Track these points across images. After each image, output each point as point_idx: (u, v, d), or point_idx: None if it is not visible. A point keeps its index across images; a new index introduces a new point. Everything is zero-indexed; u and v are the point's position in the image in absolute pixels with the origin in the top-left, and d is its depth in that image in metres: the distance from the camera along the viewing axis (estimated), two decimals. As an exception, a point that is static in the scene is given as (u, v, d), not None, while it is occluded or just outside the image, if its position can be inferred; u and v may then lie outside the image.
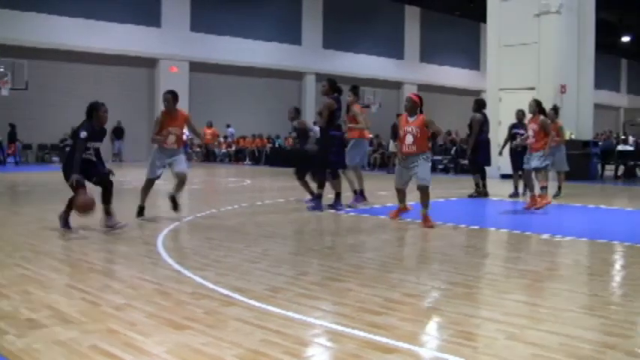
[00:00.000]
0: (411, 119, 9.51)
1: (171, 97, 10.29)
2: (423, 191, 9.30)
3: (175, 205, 9.82)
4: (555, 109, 13.57)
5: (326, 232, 9.39)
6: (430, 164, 9.62)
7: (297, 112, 12.65)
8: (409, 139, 9.32)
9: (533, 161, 11.49)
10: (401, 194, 9.92)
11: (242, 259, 6.81)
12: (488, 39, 22.61)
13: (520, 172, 13.63)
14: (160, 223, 9.30)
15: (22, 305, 4.77)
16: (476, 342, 4.03)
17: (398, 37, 42.35)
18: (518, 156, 13.92)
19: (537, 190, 11.47)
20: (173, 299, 4.97)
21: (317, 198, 11.16)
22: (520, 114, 14.27)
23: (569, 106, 20.88)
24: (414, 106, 9.58)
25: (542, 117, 11.71)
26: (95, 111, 8.46)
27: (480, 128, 13.92)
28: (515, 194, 14.07)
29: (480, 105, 14.24)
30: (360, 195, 11.87)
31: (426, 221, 9.23)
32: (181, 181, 9.95)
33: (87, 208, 7.99)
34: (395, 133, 23.65)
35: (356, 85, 12.30)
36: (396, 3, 41.14)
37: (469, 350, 3.82)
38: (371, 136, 18.44)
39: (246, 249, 7.39)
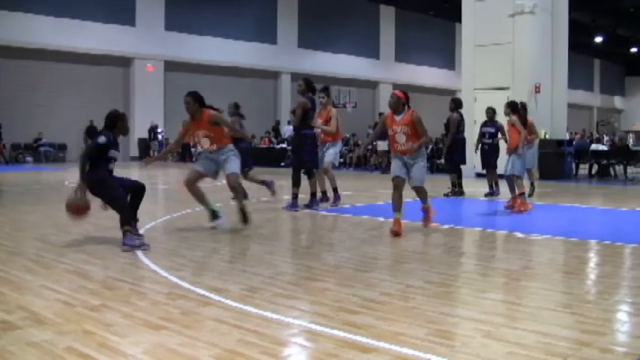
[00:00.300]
0: (398, 118, 8.70)
1: (192, 99, 9.15)
2: (420, 190, 8.98)
3: (245, 217, 8.72)
4: (523, 106, 13.50)
5: (303, 232, 9.38)
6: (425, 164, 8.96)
7: (235, 108, 13.25)
8: (401, 138, 8.60)
9: (516, 167, 11.40)
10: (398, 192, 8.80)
11: (219, 259, 6.79)
12: (463, 39, 22.69)
13: (490, 170, 13.85)
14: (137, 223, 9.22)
15: (-5, 307, 4.72)
16: (453, 341, 4.04)
17: (373, 37, 42.44)
18: (486, 155, 14.05)
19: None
20: (149, 299, 4.94)
21: (293, 198, 11.15)
22: (490, 112, 14.26)
23: (543, 106, 21.05)
24: (399, 103, 8.76)
25: (513, 117, 11.60)
26: (120, 121, 7.96)
27: (456, 128, 13.98)
28: (490, 193, 14.09)
29: (456, 104, 14.30)
30: (336, 194, 11.84)
31: (428, 219, 9.02)
32: (231, 187, 8.99)
33: (80, 211, 7.43)
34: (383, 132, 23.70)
35: (327, 86, 12.15)
36: (371, 2, 41.24)
37: (446, 349, 3.83)
38: (346, 135, 18.45)
39: (223, 249, 7.37)
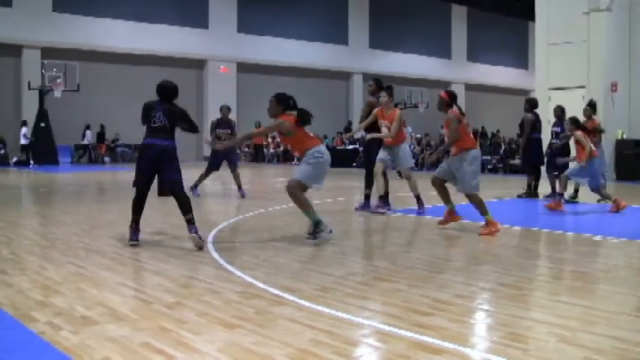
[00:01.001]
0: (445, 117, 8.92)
1: (274, 100, 8.49)
2: (471, 197, 8.79)
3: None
4: (592, 106, 13.07)
5: (374, 233, 9.39)
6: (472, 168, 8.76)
7: (227, 110, 14.05)
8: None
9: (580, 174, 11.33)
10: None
11: (291, 259, 6.85)
12: (537, 37, 22.35)
13: (555, 173, 13.30)
14: (210, 222, 9.38)
15: (76, 302, 4.87)
16: (526, 344, 3.99)
17: (445, 37, 42.16)
18: (551, 155, 13.62)
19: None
20: (223, 298, 5.02)
21: (365, 198, 11.16)
22: (558, 111, 13.89)
23: (620, 105, 20.58)
24: (442, 103, 8.97)
25: (577, 133, 11.41)
26: None
27: (531, 128, 13.72)
28: (552, 195, 13.63)
29: (531, 104, 14.05)
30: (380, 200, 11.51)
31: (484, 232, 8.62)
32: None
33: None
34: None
35: (390, 85, 11.77)
36: (443, 2, 40.96)
37: (519, 352, 3.79)
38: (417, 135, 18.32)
39: (295, 249, 7.42)
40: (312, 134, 8.28)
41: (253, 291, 5.25)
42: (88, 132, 30.55)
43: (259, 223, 9.54)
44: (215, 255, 6.84)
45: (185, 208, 7.45)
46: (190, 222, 7.31)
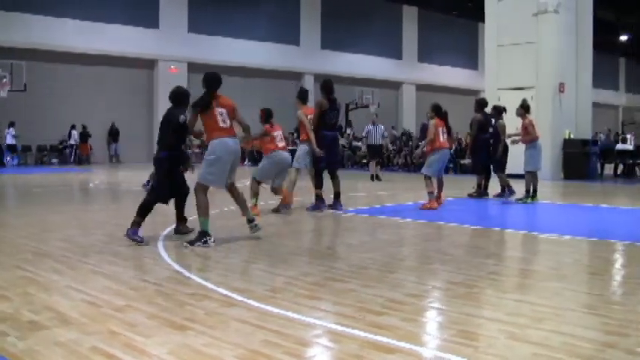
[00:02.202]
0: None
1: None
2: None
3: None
4: (524, 107, 13.26)
5: (326, 233, 9.39)
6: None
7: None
8: None
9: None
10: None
11: (242, 260, 6.81)
12: (486, 38, 22.61)
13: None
14: (161, 223, 9.28)
15: (23, 307, 4.77)
16: (477, 342, 4.02)
17: (396, 37, 42.39)
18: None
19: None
20: (174, 300, 4.97)
21: (316, 199, 11.16)
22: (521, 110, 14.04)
23: (567, 106, 20.93)
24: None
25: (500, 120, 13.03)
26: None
27: (479, 128, 13.87)
28: (502, 193, 13.83)
29: (480, 105, 14.20)
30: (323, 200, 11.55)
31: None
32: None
33: None
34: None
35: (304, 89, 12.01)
36: (394, 3, 41.17)
37: (470, 350, 3.82)
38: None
39: (247, 250, 7.39)
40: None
41: (204, 292, 5.21)
42: (73, 132, 30.09)
43: (211, 224, 9.45)
44: (165, 256, 6.77)
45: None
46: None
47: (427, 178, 11.66)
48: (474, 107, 14.23)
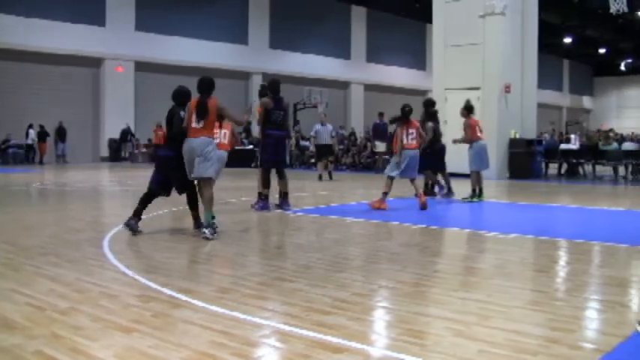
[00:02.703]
0: None
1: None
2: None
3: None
4: (468, 108, 13.44)
5: (273, 233, 9.36)
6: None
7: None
8: None
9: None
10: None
11: (189, 261, 6.76)
12: (434, 39, 22.80)
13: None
14: (107, 225, 9.16)
15: (-38, 311, 4.65)
16: (424, 340, 4.05)
17: (345, 37, 42.52)
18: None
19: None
20: (120, 302, 4.90)
21: (263, 198, 11.13)
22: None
23: (513, 106, 21.23)
24: None
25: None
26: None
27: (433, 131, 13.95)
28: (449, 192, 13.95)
29: (427, 104, 14.30)
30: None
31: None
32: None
33: None
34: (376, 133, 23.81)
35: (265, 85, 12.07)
36: (343, 3, 41.30)
37: (417, 348, 3.84)
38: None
39: (194, 250, 7.33)
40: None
41: (151, 294, 5.15)
42: (31, 131, 29.49)
43: (158, 225, 9.37)
44: (111, 258, 6.67)
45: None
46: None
47: (389, 178, 11.71)
48: (422, 110, 14.29)
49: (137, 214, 8.46)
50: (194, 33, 34.78)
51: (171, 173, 8.56)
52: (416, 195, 11.61)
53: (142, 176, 21.30)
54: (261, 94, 11.55)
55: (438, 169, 14.02)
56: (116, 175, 22.97)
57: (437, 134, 13.86)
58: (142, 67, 32.81)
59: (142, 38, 32.95)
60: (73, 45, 30.67)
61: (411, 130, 11.82)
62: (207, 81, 8.78)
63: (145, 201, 8.59)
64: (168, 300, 4.96)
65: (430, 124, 13.69)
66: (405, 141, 11.73)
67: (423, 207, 11.41)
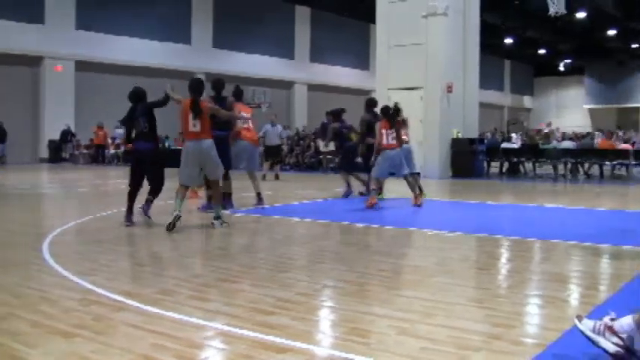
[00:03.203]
0: None
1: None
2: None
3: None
4: (396, 109, 13.68)
5: (217, 233, 9.30)
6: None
7: None
8: None
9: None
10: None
11: (132, 263, 6.68)
12: (377, 39, 22.92)
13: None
14: (46, 227, 9.00)
15: None
16: (368, 338, 4.07)
17: (288, 37, 42.47)
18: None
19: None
20: (60, 306, 4.81)
21: (207, 199, 11.08)
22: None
23: (455, 105, 21.46)
24: None
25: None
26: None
27: (367, 127, 14.01)
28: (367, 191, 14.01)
29: (369, 105, 14.38)
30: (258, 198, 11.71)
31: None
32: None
33: None
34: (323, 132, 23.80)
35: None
36: (287, 3, 41.25)
37: (361, 347, 3.86)
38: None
39: (136, 252, 7.26)
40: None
41: (92, 297, 5.07)
42: None
43: (99, 227, 9.23)
44: (51, 261, 6.54)
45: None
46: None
47: (375, 178, 12.00)
48: (364, 107, 14.37)
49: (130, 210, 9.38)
50: (136, 32, 34.33)
51: (147, 165, 9.40)
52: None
53: (83, 178, 21.01)
54: (235, 95, 11.54)
55: (345, 168, 14.13)
56: (57, 176, 22.57)
57: (339, 134, 14.04)
58: (82, 66, 32.22)
59: (83, 37, 32.34)
60: (10, 43, 29.94)
61: (390, 130, 11.93)
62: (197, 82, 9.20)
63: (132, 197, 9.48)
64: (110, 303, 4.89)
65: (336, 125, 13.97)
66: (385, 141, 11.87)
67: (417, 205, 11.97)
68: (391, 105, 12.53)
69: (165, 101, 9.68)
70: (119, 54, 33.26)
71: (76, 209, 12.11)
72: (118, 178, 21.02)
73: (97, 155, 31.44)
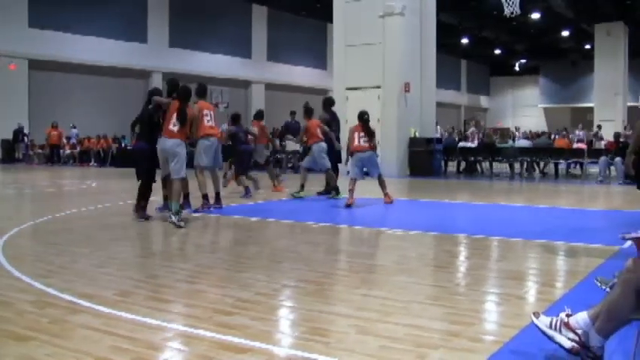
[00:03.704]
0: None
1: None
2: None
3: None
4: (306, 110, 14.02)
5: (174, 234, 9.23)
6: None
7: None
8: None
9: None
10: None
11: (89, 264, 6.58)
12: (335, 39, 22.96)
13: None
14: (0, 228, 8.84)
15: None
16: (328, 337, 4.07)
17: (245, 36, 42.31)
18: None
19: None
20: (14, 309, 4.73)
21: (164, 199, 11.01)
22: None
23: (413, 105, 21.60)
24: None
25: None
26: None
27: (326, 124, 14.05)
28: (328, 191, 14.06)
29: (326, 103, 14.42)
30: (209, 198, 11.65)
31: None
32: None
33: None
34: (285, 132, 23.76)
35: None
36: (244, 2, 41.10)
37: (321, 346, 3.86)
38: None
39: (93, 253, 7.15)
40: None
41: (48, 300, 4.99)
42: None
43: (55, 228, 9.11)
44: (4, 263, 6.43)
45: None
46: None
47: (350, 179, 12.15)
48: (322, 106, 14.42)
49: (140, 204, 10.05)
50: (91, 31, 33.86)
51: (142, 162, 9.99)
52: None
53: (38, 178, 20.70)
54: (198, 93, 11.59)
55: (240, 171, 14.25)
56: (10, 176, 22.20)
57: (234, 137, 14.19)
58: (36, 65, 31.71)
59: (37, 35, 31.80)
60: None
61: (362, 133, 12.11)
62: (186, 90, 9.80)
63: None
64: (67, 305, 4.82)
65: (232, 128, 14.29)
66: (356, 143, 12.07)
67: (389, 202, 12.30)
68: (302, 105, 12.82)
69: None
70: (74, 53, 32.79)
71: (31, 210, 11.93)
72: (74, 179, 20.78)
73: (52, 155, 31.00)
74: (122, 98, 34.33)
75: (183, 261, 6.79)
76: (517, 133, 34.53)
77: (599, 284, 5.03)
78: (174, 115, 9.54)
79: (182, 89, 9.80)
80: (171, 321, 4.41)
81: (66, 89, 32.97)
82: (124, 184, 17.85)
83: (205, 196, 11.13)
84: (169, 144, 9.55)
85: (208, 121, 11.21)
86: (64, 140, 32.25)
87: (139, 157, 10.16)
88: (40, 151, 32.36)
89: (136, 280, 5.69)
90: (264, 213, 10.82)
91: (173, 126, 9.57)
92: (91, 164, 31.17)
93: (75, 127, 32.59)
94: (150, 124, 9.95)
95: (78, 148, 32.38)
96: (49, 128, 30.21)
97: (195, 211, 10.91)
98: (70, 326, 4.30)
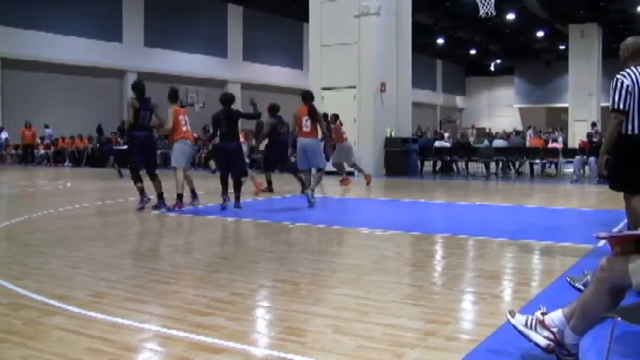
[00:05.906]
0: None
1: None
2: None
3: None
4: (271, 109, 14.16)
5: (150, 234, 9.20)
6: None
7: None
8: None
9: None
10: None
11: (63, 265, 6.53)
12: (310, 39, 22.96)
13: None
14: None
15: None
16: (304, 337, 4.07)
17: (221, 36, 42.17)
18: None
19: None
20: (-13, 311, 4.69)
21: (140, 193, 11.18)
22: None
23: (389, 104, 21.65)
24: None
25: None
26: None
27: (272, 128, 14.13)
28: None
29: (272, 110, 14.40)
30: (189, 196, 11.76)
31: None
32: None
33: None
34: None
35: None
36: (219, 1, 40.97)
37: (297, 346, 3.86)
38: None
39: (67, 254, 7.09)
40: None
41: (22, 301, 4.94)
42: None
43: (28, 229, 9.03)
44: (-22, 264, 6.37)
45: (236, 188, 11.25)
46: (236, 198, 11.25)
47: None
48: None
49: (142, 191, 11.03)
50: (64, 29, 33.54)
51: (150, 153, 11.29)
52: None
53: (12, 178, 20.49)
54: (171, 96, 11.83)
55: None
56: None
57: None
58: (9, 64, 31.39)
59: (9, 34, 31.45)
60: None
61: (306, 117, 11.85)
62: (229, 96, 11.80)
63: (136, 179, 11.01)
64: (41, 307, 4.78)
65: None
66: (303, 128, 11.89)
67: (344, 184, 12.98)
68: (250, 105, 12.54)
69: (258, 115, 12.34)
70: (48, 52, 32.46)
71: (4, 211, 11.82)
72: (48, 179, 20.61)
73: (26, 155, 30.72)
74: (97, 98, 34.10)
75: (159, 261, 6.76)
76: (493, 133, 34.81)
77: (571, 282, 5.10)
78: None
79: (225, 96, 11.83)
80: (147, 322, 4.39)
81: (40, 88, 32.63)
82: (99, 185, 17.74)
83: (180, 196, 11.17)
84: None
85: (184, 125, 11.52)
86: (38, 140, 31.97)
87: (234, 154, 11.19)
88: (13, 151, 32.06)
89: (110, 280, 5.65)
90: (240, 213, 10.79)
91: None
92: (65, 164, 30.92)
93: (49, 127, 32.31)
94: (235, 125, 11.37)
95: (52, 149, 32.11)
96: (22, 128, 29.94)
97: (170, 210, 10.91)
98: (45, 328, 4.27)
